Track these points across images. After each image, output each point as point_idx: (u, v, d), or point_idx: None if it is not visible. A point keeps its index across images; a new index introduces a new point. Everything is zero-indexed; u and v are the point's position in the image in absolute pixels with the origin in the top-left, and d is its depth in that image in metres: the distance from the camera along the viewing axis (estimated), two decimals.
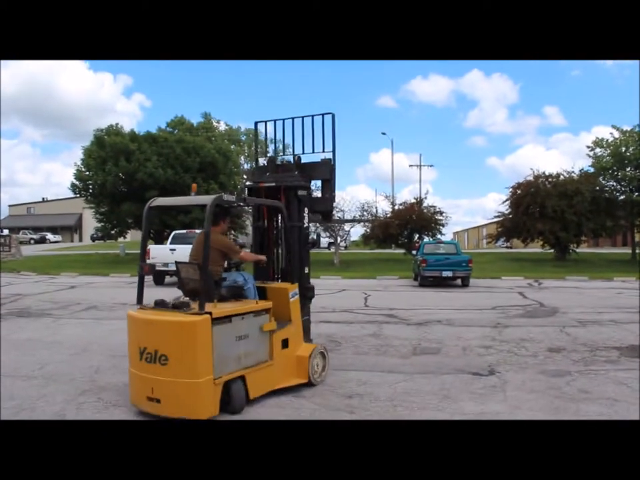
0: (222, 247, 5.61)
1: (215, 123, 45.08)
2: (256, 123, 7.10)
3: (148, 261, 17.80)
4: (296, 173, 6.32)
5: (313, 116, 6.49)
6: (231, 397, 4.87)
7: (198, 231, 20.99)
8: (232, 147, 40.54)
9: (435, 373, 6.39)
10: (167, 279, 18.61)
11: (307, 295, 6.26)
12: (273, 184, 6.19)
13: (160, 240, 28.27)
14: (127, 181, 27.77)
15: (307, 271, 6.30)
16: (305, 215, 6.17)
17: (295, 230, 6.07)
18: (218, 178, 29.12)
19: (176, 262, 5.61)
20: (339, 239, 29.79)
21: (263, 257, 6.12)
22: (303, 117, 6.55)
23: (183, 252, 16.97)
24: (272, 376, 5.37)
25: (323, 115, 6.42)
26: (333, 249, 30.18)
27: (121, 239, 33.58)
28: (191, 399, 4.65)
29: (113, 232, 30.81)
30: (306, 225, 6.25)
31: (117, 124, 31.05)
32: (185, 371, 4.62)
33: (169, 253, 17.72)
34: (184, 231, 20.70)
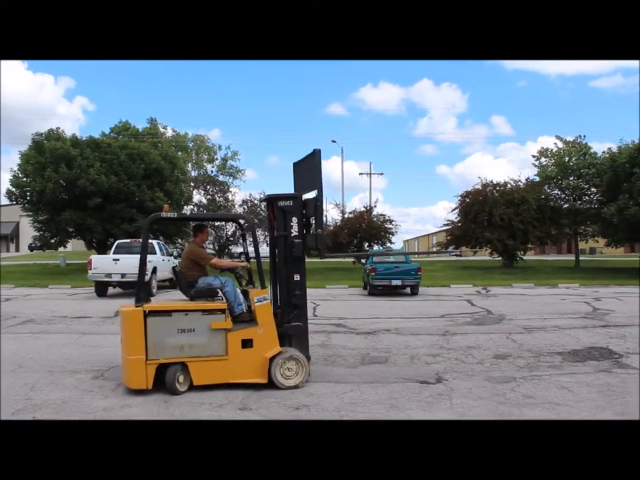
0: (193, 256, 6.61)
1: (161, 129, 44.24)
2: (295, 164, 7.28)
3: (89, 272, 17.19)
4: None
5: (309, 155, 6.57)
6: (165, 378, 5.77)
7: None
8: (179, 153, 39.91)
9: (383, 382, 6.32)
10: (110, 290, 17.98)
11: (292, 301, 6.37)
12: (264, 199, 7.10)
13: (103, 249, 27.41)
14: (67, 187, 26.73)
15: (296, 278, 6.40)
16: (292, 224, 6.35)
17: (280, 239, 6.39)
18: (164, 185, 28.46)
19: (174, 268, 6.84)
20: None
21: (240, 264, 6.85)
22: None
23: (127, 262, 16.72)
24: (226, 370, 5.93)
25: (314, 151, 6.45)
26: None
27: (61, 249, 32.34)
28: (127, 372, 5.88)
29: (52, 241, 29.51)
30: (293, 234, 6.34)
31: (57, 128, 29.95)
32: (125, 350, 5.88)
33: (112, 263, 17.12)
34: (128, 240, 20.09)
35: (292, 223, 6.36)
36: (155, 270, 17.71)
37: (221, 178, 42.35)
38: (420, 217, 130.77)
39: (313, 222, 6.62)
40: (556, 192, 32.75)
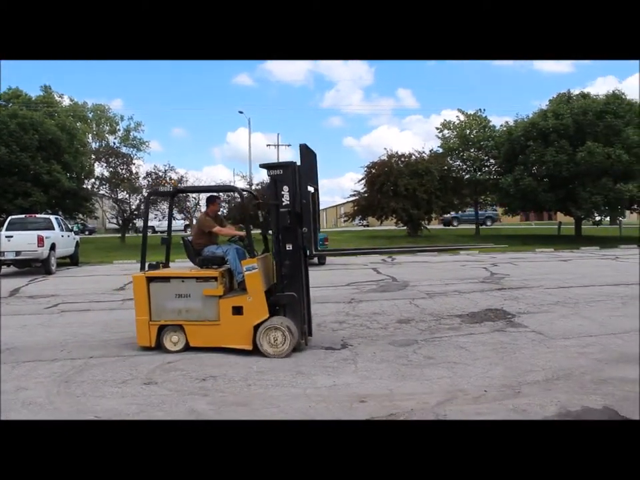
0: (200, 225, 7.18)
1: (57, 98, 41.28)
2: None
3: None
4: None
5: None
6: (160, 337, 6.40)
7: (39, 216, 19.47)
8: (77, 124, 37.76)
9: None
10: (4, 269, 16.94)
11: (282, 271, 6.37)
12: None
13: None
14: None
15: (288, 248, 6.35)
16: (283, 193, 6.26)
17: (272, 208, 6.40)
18: (62, 157, 26.87)
19: (183, 237, 7.26)
20: (194, 220, 29.03)
21: (239, 232, 7.25)
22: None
23: (22, 239, 15.80)
24: (217, 334, 6.33)
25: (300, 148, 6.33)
26: (189, 231, 29.42)
27: None
28: (136, 331, 6.52)
29: None
30: (285, 203, 6.24)
31: None
32: (135, 311, 6.52)
33: (5, 241, 16.08)
34: (22, 216, 18.93)
35: (283, 192, 6.27)
36: (53, 246, 16.85)
37: (124, 150, 40.45)
38: (329, 189, 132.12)
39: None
40: (458, 163, 34.03)
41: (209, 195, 7.53)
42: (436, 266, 17.00)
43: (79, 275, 16.94)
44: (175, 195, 7.85)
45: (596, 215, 29.88)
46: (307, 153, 6.33)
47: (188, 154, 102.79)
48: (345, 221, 39.54)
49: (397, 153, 31.95)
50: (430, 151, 33.21)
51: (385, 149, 38.38)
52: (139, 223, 34.96)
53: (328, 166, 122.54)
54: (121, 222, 31.86)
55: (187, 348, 6.35)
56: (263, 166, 6.59)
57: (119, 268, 18.63)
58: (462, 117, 33.76)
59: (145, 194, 29.66)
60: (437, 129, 34.60)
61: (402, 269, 16.03)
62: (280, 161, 6.57)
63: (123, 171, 31.39)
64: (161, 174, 29.43)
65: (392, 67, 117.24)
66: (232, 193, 27.23)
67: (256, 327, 6.17)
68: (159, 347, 6.38)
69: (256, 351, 6.12)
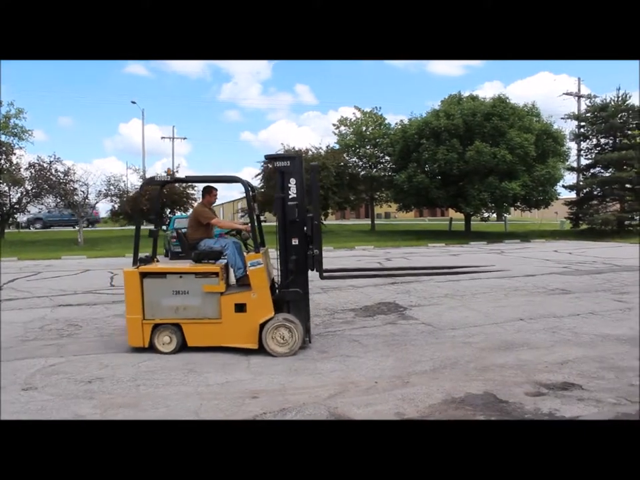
0: (196, 215, 6.73)
1: None
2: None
3: None
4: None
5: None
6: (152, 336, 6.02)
7: None
8: None
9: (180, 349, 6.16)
10: None
11: (287, 267, 6.13)
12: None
13: None
14: None
15: (294, 242, 6.14)
16: (289, 185, 6.06)
17: (278, 201, 6.13)
18: None
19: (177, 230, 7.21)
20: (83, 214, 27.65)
21: (241, 226, 6.91)
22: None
23: None
24: (219, 333, 6.02)
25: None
26: (77, 227, 28.00)
27: None
28: (127, 330, 6.10)
29: None
30: (291, 196, 6.05)
31: None
32: (126, 309, 6.10)
33: None
34: None
35: (289, 185, 6.06)
36: None
37: (3, 138, 37.73)
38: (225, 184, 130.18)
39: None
40: (354, 159, 34.78)
41: (205, 185, 7.04)
42: (332, 261, 17.17)
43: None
44: (166, 184, 7.37)
45: (484, 211, 31.59)
46: (316, 176, 6.26)
47: (76, 145, 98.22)
48: (241, 217, 39.22)
49: (294, 148, 32.10)
50: (327, 147, 33.69)
51: (282, 144, 38.35)
52: (20, 217, 32.85)
53: (225, 160, 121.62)
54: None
55: (183, 348, 6.01)
56: (268, 157, 6.34)
57: None
58: (358, 114, 34.56)
59: (28, 186, 27.95)
60: (334, 125, 35.28)
61: None
62: (283, 153, 6.36)
63: (2, 161, 29.26)
64: (45, 165, 27.67)
65: (290, 62, 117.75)
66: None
67: (261, 325, 5.93)
68: (151, 348, 6.00)
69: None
